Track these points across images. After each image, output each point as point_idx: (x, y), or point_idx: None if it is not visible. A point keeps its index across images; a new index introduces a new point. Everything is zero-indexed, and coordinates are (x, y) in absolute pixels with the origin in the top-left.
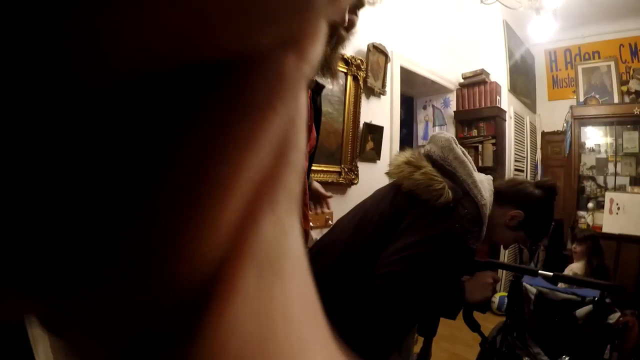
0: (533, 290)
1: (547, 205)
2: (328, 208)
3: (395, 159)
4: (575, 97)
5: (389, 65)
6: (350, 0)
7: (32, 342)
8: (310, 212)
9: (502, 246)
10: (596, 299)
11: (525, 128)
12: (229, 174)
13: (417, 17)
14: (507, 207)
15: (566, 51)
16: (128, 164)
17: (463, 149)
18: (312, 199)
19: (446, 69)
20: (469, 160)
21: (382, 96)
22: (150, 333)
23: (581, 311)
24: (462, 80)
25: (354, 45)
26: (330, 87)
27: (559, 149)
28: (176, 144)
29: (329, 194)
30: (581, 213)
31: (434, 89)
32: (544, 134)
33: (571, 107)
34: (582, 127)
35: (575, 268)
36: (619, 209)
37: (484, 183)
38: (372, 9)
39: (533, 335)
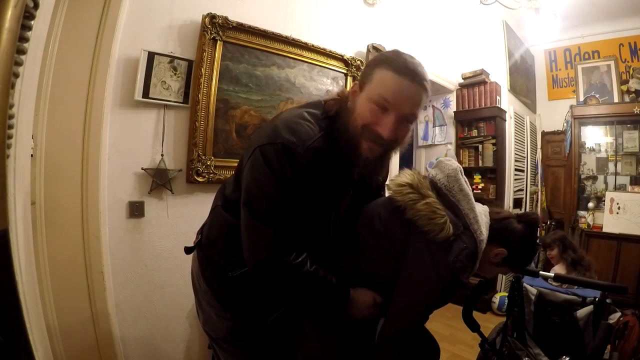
0: (533, 290)
1: (529, 239)
2: None
3: (398, 177)
4: (575, 96)
5: None
6: None
7: (32, 342)
8: None
9: None
10: (597, 299)
11: (525, 128)
12: None
13: (416, 18)
14: (492, 244)
15: (566, 51)
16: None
17: (466, 179)
18: None
19: (446, 69)
20: (470, 192)
21: None
22: None
23: (582, 311)
24: (462, 81)
25: (354, 46)
26: (330, 88)
27: (559, 148)
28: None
29: None
30: (581, 213)
31: (434, 89)
32: (544, 133)
33: (571, 106)
34: (582, 127)
35: (557, 270)
36: (619, 208)
37: (482, 216)
38: (372, 10)
39: (533, 336)
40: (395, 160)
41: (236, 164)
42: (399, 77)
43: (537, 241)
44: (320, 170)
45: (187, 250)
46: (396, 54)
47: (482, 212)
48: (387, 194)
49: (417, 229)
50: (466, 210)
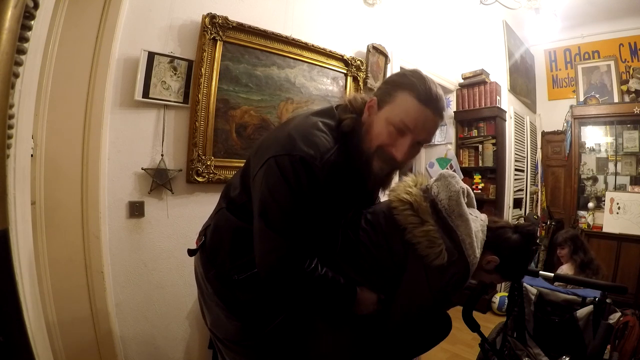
0: (533, 290)
1: (523, 250)
2: None
3: (400, 186)
4: (575, 96)
5: (388, 65)
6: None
7: (32, 342)
8: None
9: None
10: (597, 299)
11: (525, 128)
12: None
13: (416, 18)
14: (485, 251)
15: (566, 51)
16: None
17: (469, 190)
18: None
19: (446, 69)
20: (470, 217)
21: None
22: None
23: (582, 311)
24: (462, 81)
25: (354, 46)
26: (330, 88)
27: (559, 148)
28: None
29: None
30: (581, 213)
31: None
32: (544, 133)
33: (571, 106)
34: (582, 127)
35: (565, 269)
36: (619, 208)
37: (479, 235)
38: (372, 10)
39: (533, 336)
40: None
41: (236, 164)
42: (422, 107)
43: (537, 241)
44: (336, 182)
45: (191, 252)
46: (420, 78)
47: (479, 230)
48: (386, 198)
49: (415, 252)
50: (463, 236)
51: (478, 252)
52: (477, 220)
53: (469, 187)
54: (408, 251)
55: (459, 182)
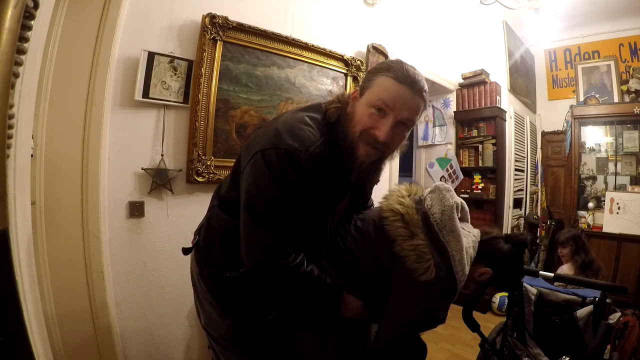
0: (533, 290)
1: (515, 260)
2: None
3: (392, 196)
4: (575, 96)
5: None
6: None
7: (33, 342)
8: None
9: None
10: (597, 299)
11: (525, 128)
12: None
13: (416, 18)
14: (477, 263)
15: (566, 51)
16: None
17: (463, 204)
18: None
19: (446, 70)
20: (462, 232)
21: None
22: None
23: (582, 311)
24: (462, 81)
25: (354, 46)
26: (330, 88)
27: (559, 148)
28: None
29: None
30: (581, 213)
31: (434, 89)
32: (544, 133)
33: (571, 106)
34: (582, 127)
35: (565, 269)
36: (619, 208)
37: (469, 251)
38: (372, 10)
39: (533, 336)
40: (395, 161)
41: None
42: (399, 84)
43: (537, 241)
44: (321, 175)
45: (185, 251)
46: (398, 63)
47: (470, 245)
48: (377, 205)
49: (402, 265)
50: (453, 252)
51: (467, 268)
52: (469, 236)
53: (463, 202)
54: (395, 263)
55: (453, 196)
